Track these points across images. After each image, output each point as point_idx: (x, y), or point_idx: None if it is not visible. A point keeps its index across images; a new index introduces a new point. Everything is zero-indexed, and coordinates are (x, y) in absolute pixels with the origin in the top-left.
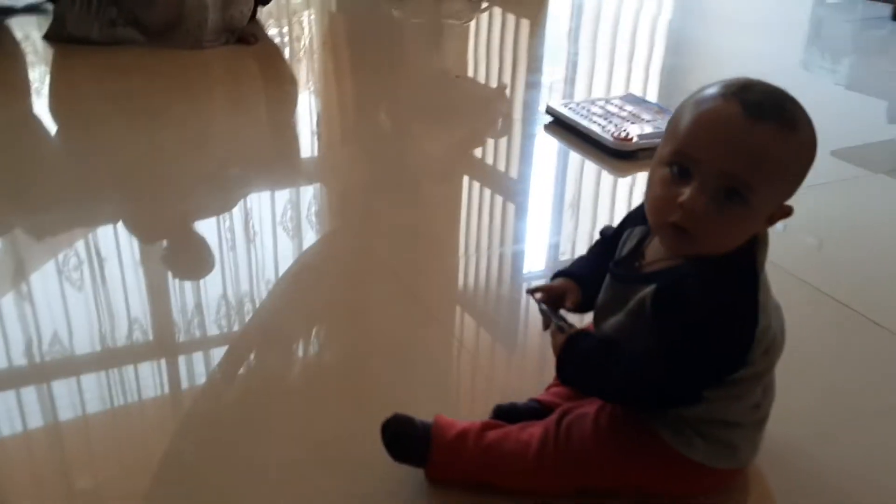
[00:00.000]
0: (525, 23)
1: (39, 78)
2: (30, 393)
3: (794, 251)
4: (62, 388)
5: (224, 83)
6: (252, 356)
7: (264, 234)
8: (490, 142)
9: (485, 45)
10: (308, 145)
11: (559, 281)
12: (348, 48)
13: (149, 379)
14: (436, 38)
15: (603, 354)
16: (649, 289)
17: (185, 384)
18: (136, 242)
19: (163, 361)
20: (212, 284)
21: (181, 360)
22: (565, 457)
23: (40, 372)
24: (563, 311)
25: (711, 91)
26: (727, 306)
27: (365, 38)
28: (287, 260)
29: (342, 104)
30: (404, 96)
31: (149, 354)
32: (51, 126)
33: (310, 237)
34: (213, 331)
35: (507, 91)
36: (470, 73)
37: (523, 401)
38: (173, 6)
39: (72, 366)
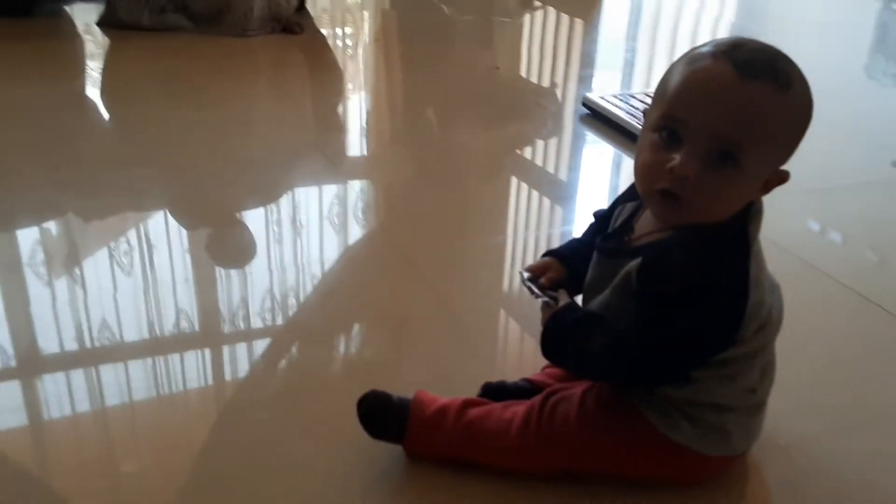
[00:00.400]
0: (578, 22)
1: (91, 61)
2: (78, 377)
3: (853, 263)
4: (110, 374)
5: (269, 71)
6: (294, 350)
7: (311, 227)
8: (537, 140)
9: (538, 44)
10: (355, 139)
11: (544, 259)
12: (399, 44)
13: (193, 368)
14: (486, 36)
15: (587, 329)
16: (635, 262)
17: (227, 375)
18: (183, 229)
19: (207, 351)
20: (258, 277)
21: (225, 350)
22: (548, 436)
23: (90, 357)
24: (555, 293)
25: (701, 50)
26: (715, 278)
27: (416, 34)
28: (333, 255)
29: (390, 99)
30: (452, 93)
31: (194, 344)
32: (101, 107)
33: (356, 232)
34: (257, 323)
35: (557, 89)
36: (523, 73)
37: (515, 380)
38: None
39: (119, 352)
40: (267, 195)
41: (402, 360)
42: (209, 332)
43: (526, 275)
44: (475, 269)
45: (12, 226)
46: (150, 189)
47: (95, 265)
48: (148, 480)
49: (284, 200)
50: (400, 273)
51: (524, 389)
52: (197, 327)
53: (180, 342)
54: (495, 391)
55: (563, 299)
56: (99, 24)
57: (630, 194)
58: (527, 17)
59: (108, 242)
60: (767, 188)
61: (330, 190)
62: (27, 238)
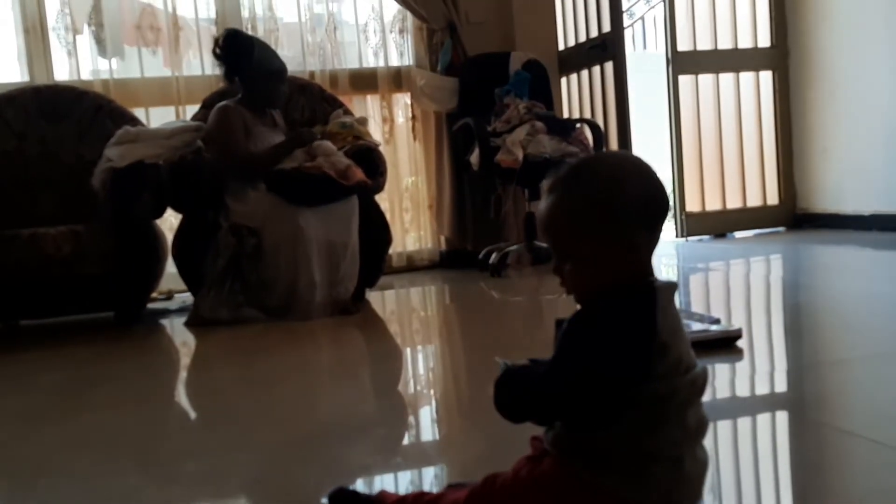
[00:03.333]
0: None
1: (181, 356)
2: None
3: None
4: None
5: (331, 353)
6: None
7: None
8: None
9: None
10: (424, 420)
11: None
12: (458, 326)
13: None
14: (535, 313)
15: (522, 378)
16: (562, 330)
17: None
18: None
19: None
20: None
21: None
22: (489, 500)
23: None
24: None
25: None
26: (622, 315)
27: (472, 318)
28: None
29: (455, 380)
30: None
31: None
32: (185, 400)
33: None
34: None
35: None
36: None
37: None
38: (288, 289)
39: None
40: (339, 479)
41: None
42: None
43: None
44: None
45: None
46: (223, 482)
47: None
48: None
49: (360, 485)
50: None
51: None
52: None
53: None
54: (455, 487)
55: None
56: (186, 323)
57: None
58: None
59: None
60: (619, 265)
61: (404, 477)
62: None
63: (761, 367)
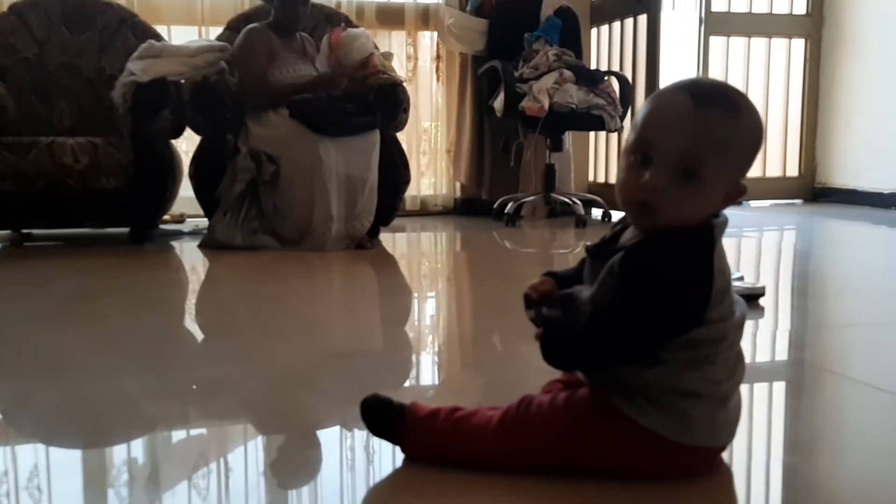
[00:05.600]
0: None
1: (192, 274)
2: None
3: None
4: None
5: (343, 284)
6: None
7: (383, 454)
8: None
9: None
10: (427, 363)
11: (543, 278)
12: (468, 275)
13: None
14: (546, 266)
15: (570, 320)
16: (618, 255)
17: None
18: (260, 439)
19: None
20: (329, 496)
21: None
22: (523, 428)
23: None
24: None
25: (665, 87)
26: (684, 263)
27: (482, 267)
28: None
29: (461, 327)
30: (517, 317)
31: None
32: (193, 314)
33: None
34: None
35: None
36: None
37: None
38: (304, 219)
39: None
40: (343, 414)
41: None
42: None
43: (533, 295)
44: None
45: (105, 441)
46: (228, 395)
47: (173, 489)
48: None
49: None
50: None
51: None
52: None
53: None
54: None
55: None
56: (201, 245)
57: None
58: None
59: (186, 459)
60: (729, 200)
61: None
62: (118, 456)
63: (783, 325)
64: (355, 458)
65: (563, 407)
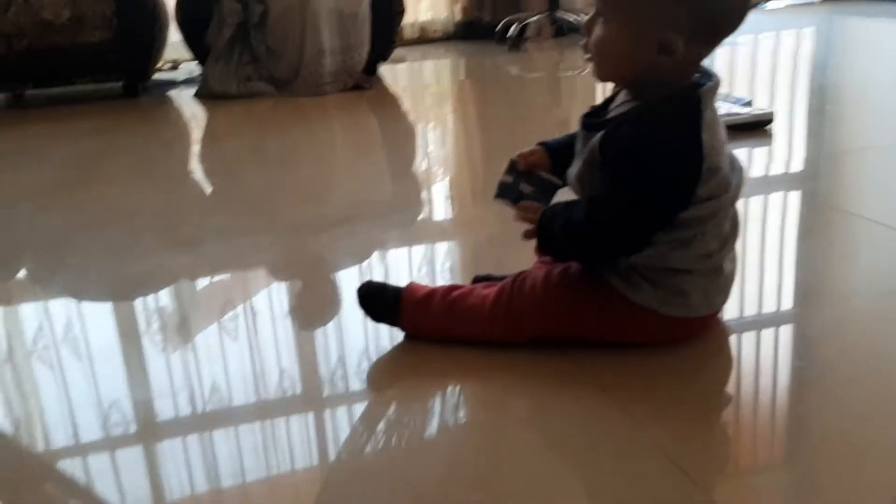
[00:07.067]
0: None
1: (191, 129)
2: (193, 442)
3: None
4: (221, 437)
5: (345, 130)
6: (391, 411)
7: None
8: None
9: (601, 92)
10: (438, 199)
11: (534, 147)
12: (474, 104)
13: (296, 430)
14: (554, 91)
15: (567, 211)
16: (598, 136)
17: (329, 438)
18: (278, 285)
19: (310, 414)
20: (353, 338)
21: (326, 413)
22: (518, 303)
23: (202, 421)
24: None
25: None
26: (666, 142)
27: (488, 96)
28: None
29: (469, 160)
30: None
31: (296, 408)
32: (196, 167)
33: None
34: (354, 385)
35: None
36: None
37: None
38: (296, 58)
39: (229, 416)
40: (357, 254)
41: (504, 429)
42: (310, 395)
43: (509, 179)
44: None
45: (127, 287)
46: (245, 245)
47: (202, 328)
48: None
49: (376, 259)
50: None
51: None
52: (299, 389)
53: (284, 405)
54: (483, 281)
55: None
56: (196, 95)
57: None
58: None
59: (213, 305)
60: (663, 50)
61: (417, 251)
62: (148, 305)
63: (791, 153)
64: None
65: (557, 284)
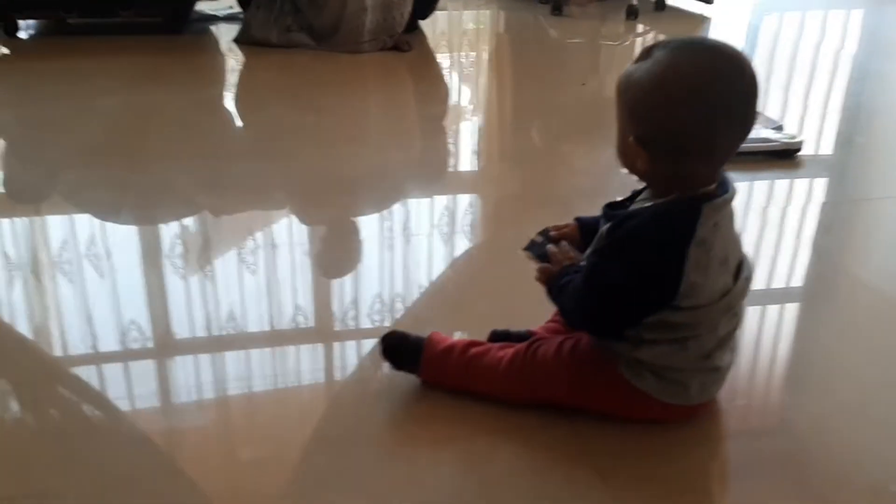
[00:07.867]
0: None
1: (229, 73)
2: (205, 362)
3: None
4: (233, 361)
5: (380, 87)
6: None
7: (420, 237)
8: None
9: None
10: (465, 155)
11: (570, 222)
12: (509, 65)
13: (306, 362)
14: (592, 59)
15: (567, 282)
16: (606, 226)
17: (336, 370)
18: (303, 230)
19: (319, 346)
20: (368, 281)
21: (335, 347)
22: (529, 371)
23: (216, 344)
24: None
25: None
26: (651, 251)
27: (525, 57)
28: (440, 264)
29: (500, 118)
30: (558, 114)
31: (308, 339)
32: (234, 113)
33: (463, 245)
34: (365, 324)
35: None
36: None
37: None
38: (337, 10)
39: (243, 342)
40: (380, 205)
41: None
42: (322, 330)
43: (539, 239)
44: None
45: (155, 219)
46: (272, 188)
47: (224, 259)
48: (263, 467)
49: (397, 209)
50: (503, 284)
51: (524, 337)
52: (312, 323)
53: (296, 336)
54: (500, 337)
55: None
56: (236, 40)
57: None
58: (632, 41)
59: (235, 237)
60: (638, 155)
61: (440, 202)
62: (168, 232)
63: (811, 194)
64: (394, 248)
65: (567, 359)
